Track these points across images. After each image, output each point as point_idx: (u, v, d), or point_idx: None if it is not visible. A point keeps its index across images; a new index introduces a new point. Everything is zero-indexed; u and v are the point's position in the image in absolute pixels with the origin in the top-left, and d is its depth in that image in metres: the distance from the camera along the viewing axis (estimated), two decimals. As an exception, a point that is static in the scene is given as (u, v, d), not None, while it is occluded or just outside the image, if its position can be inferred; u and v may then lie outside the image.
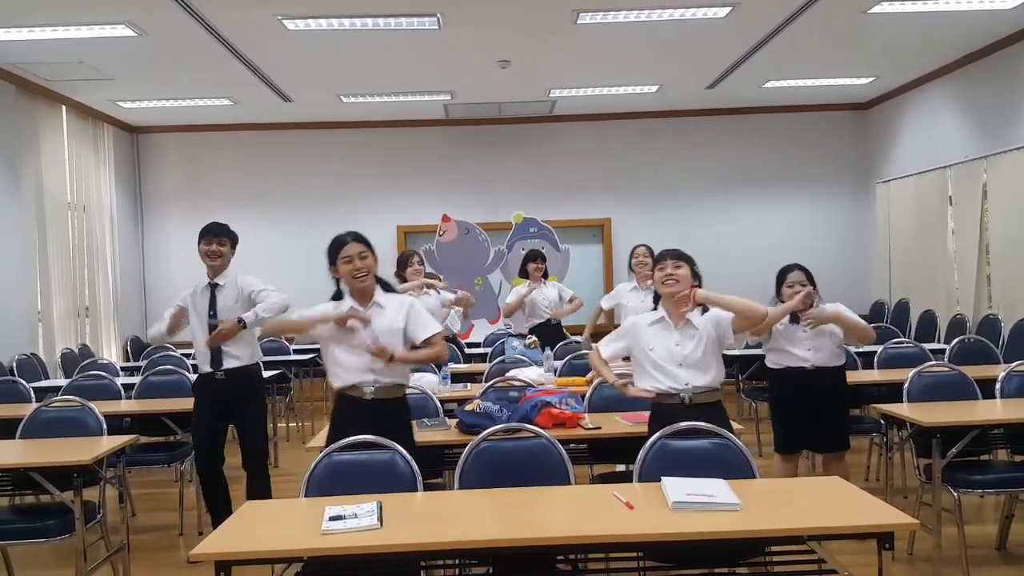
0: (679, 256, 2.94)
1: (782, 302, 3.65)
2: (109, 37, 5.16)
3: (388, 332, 2.86)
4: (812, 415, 3.59)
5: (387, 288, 3.00)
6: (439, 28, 5.19)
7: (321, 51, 5.73)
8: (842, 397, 3.73)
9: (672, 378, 2.84)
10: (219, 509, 3.83)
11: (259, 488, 3.80)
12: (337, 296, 2.96)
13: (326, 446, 2.65)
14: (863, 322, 3.69)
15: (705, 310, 2.91)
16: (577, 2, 4.88)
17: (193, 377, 4.70)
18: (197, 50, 5.54)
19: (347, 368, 2.86)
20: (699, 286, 2.89)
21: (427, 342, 2.89)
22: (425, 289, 5.14)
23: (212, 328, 3.75)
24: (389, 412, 2.87)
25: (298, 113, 7.74)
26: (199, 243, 3.86)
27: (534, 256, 5.82)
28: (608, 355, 3.02)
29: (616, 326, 3.71)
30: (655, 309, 2.98)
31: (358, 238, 2.92)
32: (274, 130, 8.21)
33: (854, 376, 4.55)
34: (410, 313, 2.92)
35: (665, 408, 2.83)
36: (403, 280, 5.08)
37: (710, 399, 2.85)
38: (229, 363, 3.77)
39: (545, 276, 5.84)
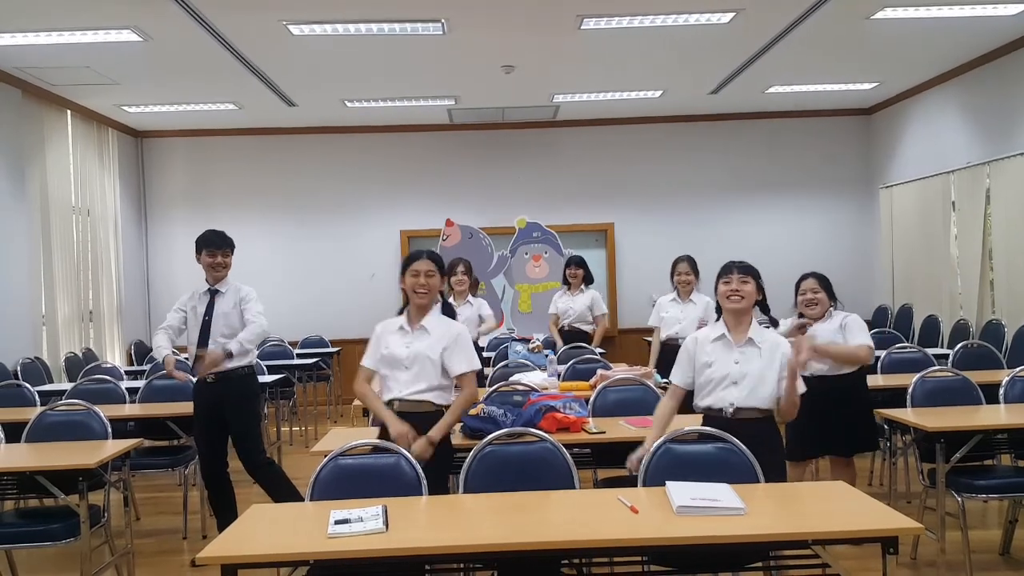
0: (746, 270, 2.83)
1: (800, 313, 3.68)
2: (114, 42, 5.19)
3: (420, 357, 2.91)
4: (827, 421, 3.55)
5: (447, 312, 3.08)
6: (443, 33, 5.22)
7: (326, 56, 5.76)
8: (857, 402, 3.68)
9: (723, 396, 2.75)
10: (224, 512, 3.84)
11: (271, 483, 3.82)
12: (401, 311, 3.06)
13: None
14: (850, 348, 3.58)
15: (774, 323, 2.89)
16: (581, 8, 4.90)
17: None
18: (202, 55, 5.56)
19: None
20: (763, 300, 2.85)
21: (460, 377, 2.94)
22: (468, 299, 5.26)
23: (206, 325, 3.79)
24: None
25: (302, 118, 7.77)
26: (200, 252, 3.89)
27: (568, 263, 6.13)
28: (677, 380, 2.89)
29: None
30: (718, 318, 2.89)
31: (432, 256, 3.02)
32: (278, 135, 8.24)
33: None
34: (455, 343, 2.94)
35: (711, 423, 2.75)
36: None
37: (752, 416, 2.73)
38: (226, 365, 3.77)
39: (588, 282, 6.07)
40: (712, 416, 2.80)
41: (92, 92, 6.57)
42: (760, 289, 2.85)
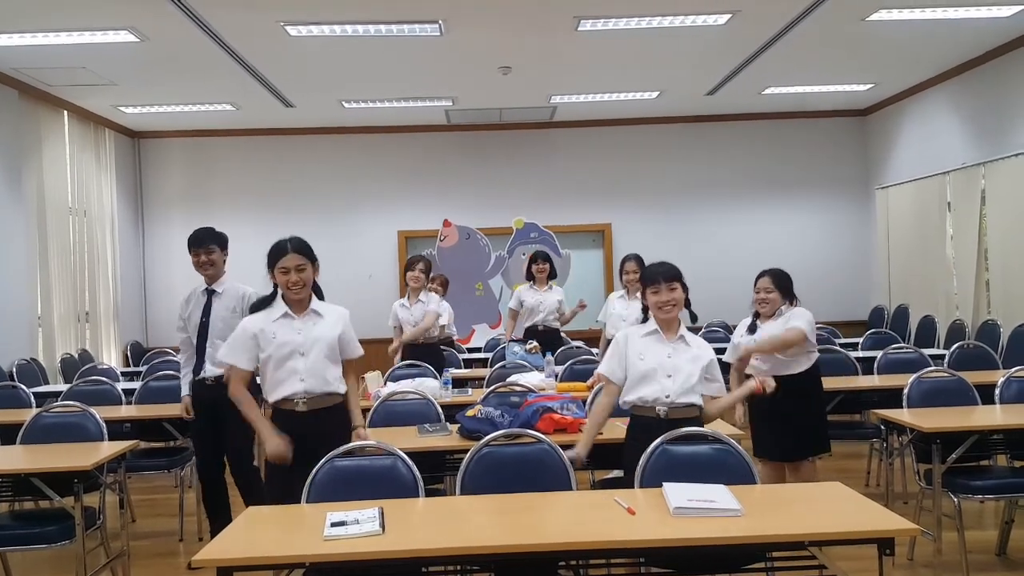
0: (671, 276, 2.80)
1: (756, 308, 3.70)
2: (111, 43, 5.18)
3: (322, 340, 2.87)
4: (771, 423, 3.56)
5: (320, 296, 2.98)
6: (441, 35, 5.22)
7: (323, 57, 5.75)
8: (808, 405, 3.62)
9: (656, 387, 2.74)
10: (218, 515, 3.82)
11: (250, 490, 3.74)
12: (270, 299, 2.91)
13: None
14: (778, 334, 3.56)
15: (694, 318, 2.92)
16: (578, 9, 4.90)
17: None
18: (199, 55, 5.56)
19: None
20: (688, 303, 2.84)
21: (350, 362, 2.95)
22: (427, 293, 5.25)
23: (203, 327, 3.73)
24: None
25: (300, 118, 7.76)
26: (189, 253, 3.79)
27: (536, 257, 5.79)
28: (606, 372, 2.87)
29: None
30: (644, 320, 2.92)
31: (298, 248, 2.85)
32: (276, 135, 8.23)
33: (854, 382, 4.57)
34: (348, 326, 2.95)
35: (643, 420, 2.77)
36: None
37: (688, 414, 2.75)
38: (211, 371, 3.71)
39: (552, 277, 5.80)
40: (641, 416, 2.77)
41: (89, 92, 6.56)
42: (685, 288, 2.83)
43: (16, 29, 4.94)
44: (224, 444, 3.82)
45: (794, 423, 3.56)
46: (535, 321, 5.71)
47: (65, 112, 6.87)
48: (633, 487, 2.53)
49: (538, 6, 4.82)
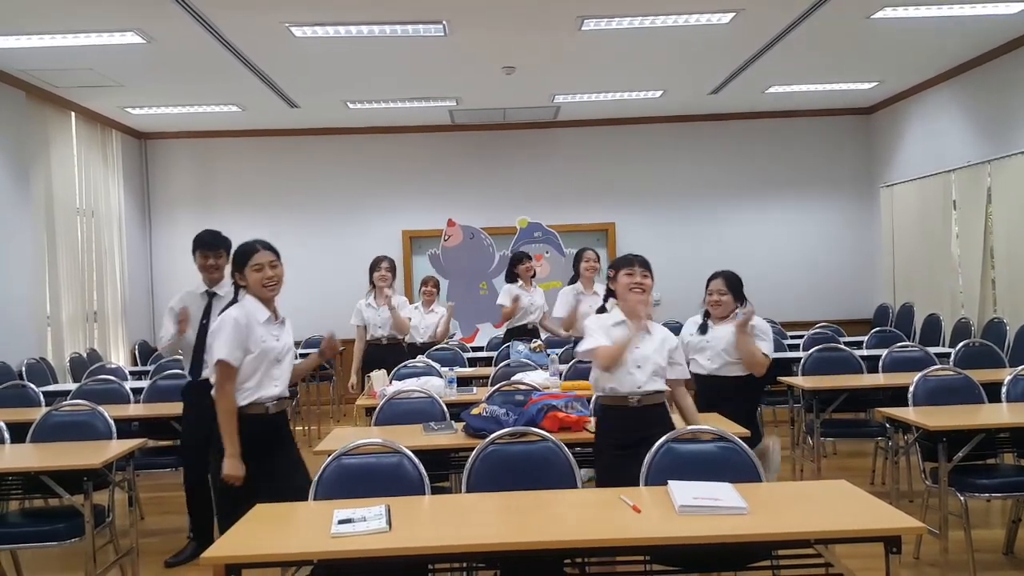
0: (646, 265, 2.96)
1: (706, 308, 3.77)
2: (118, 44, 5.21)
3: (291, 346, 2.94)
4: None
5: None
6: (445, 35, 5.23)
7: (328, 58, 5.77)
8: (739, 400, 3.65)
9: (628, 380, 2.84)
10: (203, 519, 3.78)
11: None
12: (234, 303, 2.90)
13: None
14: (759, 350, 3.62)
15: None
16: (581, 9, 4.90)
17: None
18: (205, 57, 5.58)
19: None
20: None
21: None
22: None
23: (203, 329, 3.70)
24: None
25: (305, 119, 7.79)
26: (195, 253, 3.81)
27: (521, 257, 5.74)
28: (603, 342, 2.88)
29: None
30: (603, 308, 3.01)
31: (268, 246, 2.86)
32: (281, 136, 8.26)
33: (859, 380, 4.57)
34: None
35: (614, 411, 2.86)
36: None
37: (655, 400, 2.88)
38: (210, 374, 3.73)
39: (533, 276, 5.78)
40: (612, 404, 2.85)
41: (96, 94, 6.59)
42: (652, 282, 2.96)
43: (23, 31, 4.97)
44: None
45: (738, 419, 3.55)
46: (528, 320, 5.68)
47: (72, 113, 6.90)
48: (607, 487, 2.55)
49: (541, 6, 4.82)
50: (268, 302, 2.87)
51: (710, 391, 3.67)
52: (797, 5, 5.01)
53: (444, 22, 5.02)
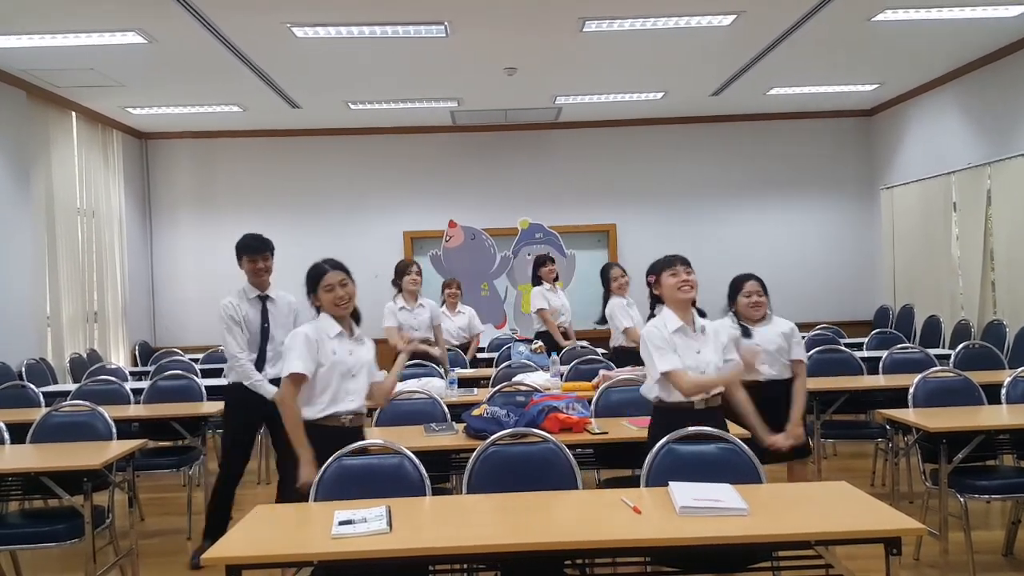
0: (687, 262, 2.96)
1: (735, 312, 3.58)
2: (119, 44, 5.21)
3: (367, 363, 2.94)
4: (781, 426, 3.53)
5: (359, 321, 3.01)
6: (446, 36, 5.23)
7: (329, 58, 5.78)
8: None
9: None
10: (220, 520, 3.82)
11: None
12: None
13: None
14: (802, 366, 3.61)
15: (703, 315, 2.98)
16: (583, 10, 4.91)
17: (205, 382, 4.74)
18: (206, 57, 5.59)
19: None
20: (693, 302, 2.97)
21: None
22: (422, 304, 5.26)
23: (264, 334, 3.78)
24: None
25: (306, 119, 7.79)
26: (242, 258, 3.82)
27: (544, 260, 5.78)
28: (678, 367, 2.82)
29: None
30: (652, 315, 3.00)
31: (336, 265, 2.90)
32: (282, 136, 8.27)
33: (859, 382, 4.57)
34: (375, 351, 3.02)
35: (678, 414, 2.82)
36: (399, 288, 5.20)
37: (717, 402, 2.91)
38: (272, 373, 3.78)
39: (556, 279, 5.83)
40: (676, 408, 2.83)
41: (97, 94, 6.60)
42: None
43: (24, 30, 4.97)
44: (282, 444, 3.83)
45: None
46: (558, 322, 5.73)
47: (73, 113, 6.91)
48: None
49: (543, 7, 4.83)
50: (342, 319, 2.91)
51: (776, 400, 3.47)
52: (798, 7, 5.01)
53: (445, 23, 5.02)
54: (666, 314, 2.95)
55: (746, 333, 3.53)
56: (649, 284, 3.08)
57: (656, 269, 3.00)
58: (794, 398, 3.46)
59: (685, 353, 2.86)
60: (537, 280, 5.78)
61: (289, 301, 3.93)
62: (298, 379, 2.78)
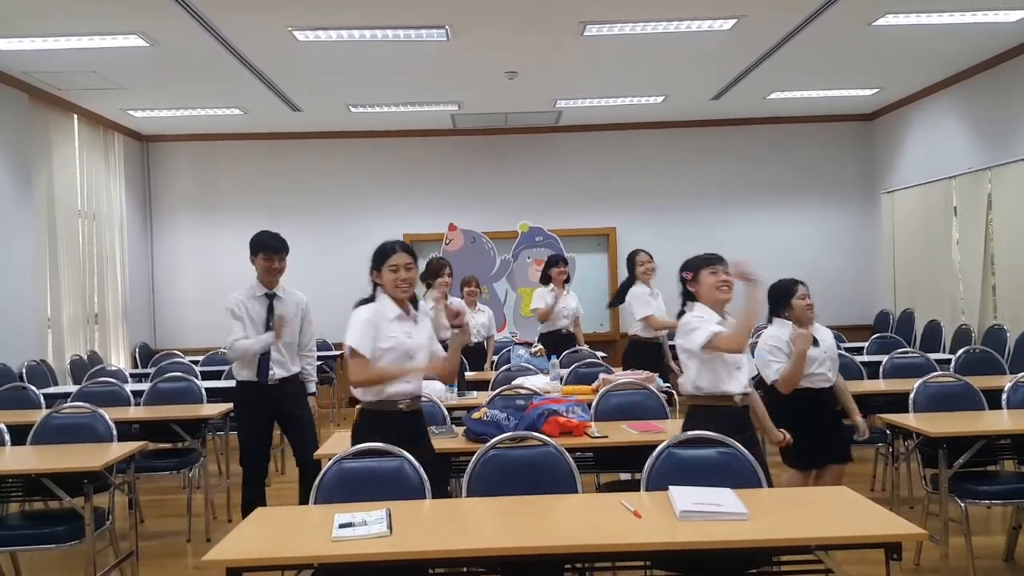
0: (725, 262, 2.95)
1: (786, 317, 3.56)
2: (121, 47, 5.22)
3: (425, 345, 2.93)
4: (832, 430, 3.60)
5: (416, 305, 3.02)
6: (447, 40, 5.24)
7: (330, 62, 5.79)
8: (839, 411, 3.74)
9: (735, 381, 2.86)
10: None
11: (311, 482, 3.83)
12: (369, 300, 2.92)
13: None
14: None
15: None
16: (584, 14, 4.92)
17: (206, 385, 4.74)
18: (207, 60, 5.60)
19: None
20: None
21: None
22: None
23: (268, 331, 3.81)
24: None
25: (307, 122, 7.80)
26: (255, 255, 3.83)
27: (556, 261, 5.73)
28: (719, 329, 2.79)
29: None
30: (682, 313, 2.96)
31: (406, 248, 2.90)
32: (283, 139, 8.28)
33: (859, 386, 4.57)
34: (432, 330, 3.03)
35: (718, 411, 2.82)
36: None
37: (749, 400, 2.93)
38: (279, 372, 3.81)
39: (567, 281, 5.74)
40: (715, 405, 2.83)
41: (98, 96, 6.61)
42: None
43: (26, 33, 4.98)
44: (298, 442, 3.87)
45: (842, 426, 3.67)
46: (559, 326, 5.65)
47: (75, 116, 6.92)
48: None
49: (544, 11, 4.84)
50: (401, 302, 2.89)
51: (824, 407, 3.56)
52: (799, 11, 5.02)
53: (446, 27, 5.03)
54: (703, 309, 2.90)
55: (814, 342, 3.51)
56: (683, 280, 2.99)
57: (694, 266, 2.94)
58: (847, 395, 3.68)
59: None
60: (546, 279, 5.70)
61: (298, 299, 3.96)
62: (355, 354, 2.77)
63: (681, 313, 3.00)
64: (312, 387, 3.99)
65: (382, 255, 2.89)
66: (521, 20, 5.00)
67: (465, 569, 2.37)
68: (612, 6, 4.80)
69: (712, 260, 2.92)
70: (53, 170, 6.57)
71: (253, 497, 3.84)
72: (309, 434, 3.89)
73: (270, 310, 3.83)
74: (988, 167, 6.30)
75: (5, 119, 5.93)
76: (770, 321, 3.63)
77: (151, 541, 4.18)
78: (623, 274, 8.26)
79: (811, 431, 3.48)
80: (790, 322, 3.55)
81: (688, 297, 2.99)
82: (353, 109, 7.26)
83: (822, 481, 3.58)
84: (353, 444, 2.70)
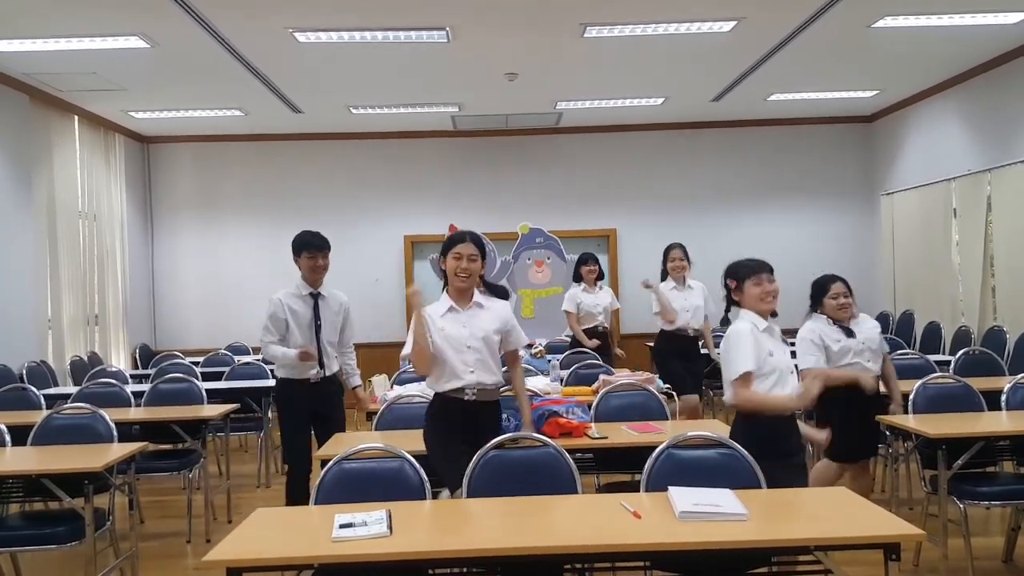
0: (771, 268, 2.86)
1: (820, 312, 3.67)
2: (122, 48, 5.23)
3: (483, 332, 2.94)
4: (871, 422, 3.62)
5: (494, 292, 3.07)
6: (448, 41, 5.25)
7: (331, 63, 5.80)
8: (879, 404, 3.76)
9: (790, 386, 2.79)
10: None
11: None
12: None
13: None
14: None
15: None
16: (584, 16, 4.93)
17: (206, 386, 4.75)
18: (208, 61, 5.61)
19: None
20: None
21: (515, 352, 3.05)
22: None
23: (317, 331, 3.88)
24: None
25: (308, 124, 7.81)
26: (299, 255, 3.90)
27: (586, 259, 5.82)
28: (753, 367, 2.73)
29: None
30: (725, 318, 2.93)
31: (475, 239, 2.97)
32: (284, 141, 8.29)
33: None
34: (511, 317, 3.05)
35: (770, 419, 2.74)
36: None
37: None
38: (333, 368, 3.93)
39: (600, 278, 5.86)
40: (773, 416, 2.77)
41: (99, 98, 6.62)
42: None
43: (27, 35, 4.99)
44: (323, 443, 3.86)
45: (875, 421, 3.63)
46: (595, 323, 5.72)
47: (75, 117, 6.93)
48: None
49: (544, 13, 4.85)
50: (459, 293, 2.94)
51: (878, 395, 3.61)
52: (799, 13, 5.03)
53: (447, 28, 5.04)
54: (749, 317, 2.83)
55: (849, 334, 3.54)
56: (728, 288, 2.93)
57: (739, 276, 2.86)
58: (894, 384, 3.73)
59: (778, 353, 2.79)
60: (577, 278, 5.84)
61: (341, 300, 4.04)
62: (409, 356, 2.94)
63: (725, 320, 2.96)
64: (356, 379, 4.10)
65: (450, 242, 2.97)
66: (522, 22, 5.01)
67: (465, 569, 2.37)
68: (612, 8, 4.81)
69: (756, 269, 2.82)
70: (54, 171, 6.58)
71: (299, 497, 3.83)
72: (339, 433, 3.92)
73: (315, 310, 3.89)
74: (988, 169, 6.31)
75: (6, 120, 5.94)
76: (811, 314, 3.69)
77: (151, 542, 4.18)
78: (623, 274, 8.37)
79: (850, 422, 3.49)
80: (824, 316, 3.63)
81: (732, 303, 2.93)
82: (354, 110, 7.27)
83: (854, 474, 3.61)
84: (425, 426, 2.97)
